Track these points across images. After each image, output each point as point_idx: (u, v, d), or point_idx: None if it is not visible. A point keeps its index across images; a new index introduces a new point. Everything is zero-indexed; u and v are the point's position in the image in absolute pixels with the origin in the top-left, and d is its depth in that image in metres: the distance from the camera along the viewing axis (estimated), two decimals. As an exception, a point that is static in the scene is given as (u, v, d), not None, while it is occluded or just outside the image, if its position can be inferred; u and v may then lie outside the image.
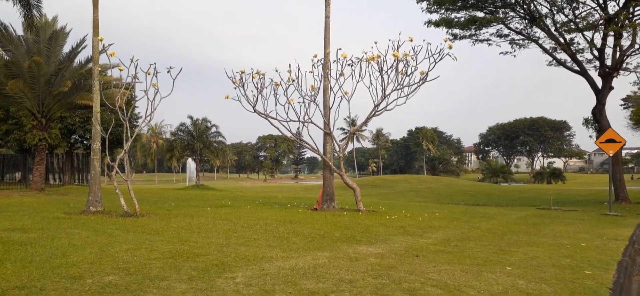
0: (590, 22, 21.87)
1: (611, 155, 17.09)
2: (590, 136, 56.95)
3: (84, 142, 35.18)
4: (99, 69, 13.84)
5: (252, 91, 14.84)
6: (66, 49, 22.79)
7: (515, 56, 24.73)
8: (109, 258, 6.04)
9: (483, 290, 4.94)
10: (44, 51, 21.63)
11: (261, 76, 14.83)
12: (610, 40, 21.71)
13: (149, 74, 12.09)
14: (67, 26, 22.87)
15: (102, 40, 12.87)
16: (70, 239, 7.42)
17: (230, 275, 5.25)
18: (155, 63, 12.12)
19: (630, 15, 20.98)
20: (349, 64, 14.11)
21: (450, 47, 13.23)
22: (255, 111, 14.95)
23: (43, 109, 22.50)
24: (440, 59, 13.23)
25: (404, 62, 13.59)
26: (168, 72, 12.23)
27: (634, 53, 21.79)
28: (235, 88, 15.00)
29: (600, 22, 21.54)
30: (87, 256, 6.14)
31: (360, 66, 13.99)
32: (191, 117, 58.70)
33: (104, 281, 4.89)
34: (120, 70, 12.38)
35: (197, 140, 58.22)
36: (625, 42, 21.42)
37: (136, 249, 6.67)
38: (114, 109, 12.61)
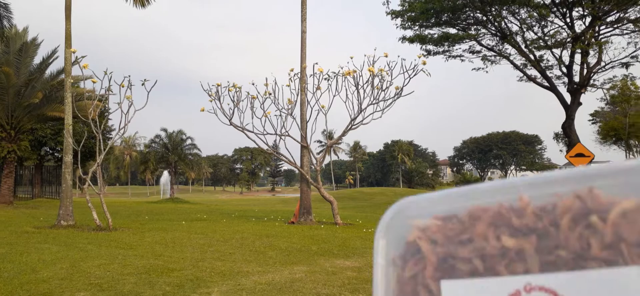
0: (559, 40, 22.58)
1: (580, 169, 17.51)
2: (561, 150, 58.44)
3: (55, 154, 34.40)
4: (72, 80, 13.64)
5: (229, 104, 14.82)
6: (37, 60, 22.39)
7: (487, 71, 25.33)
8: (81, 273, 5.93)
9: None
10: (14, 61, 21.19)
11: (237, 89, 14.83)
12: (578, 58, 22.45)
13: (123, 86, 11.97)
14: (38, 37, 22.48)
15: (74, 52, 12.70)
16: (40, 255, 7.25)
17: (205, 290, 5.22)
18: (129, 76, 12.03)
19: (596, 34, 21.74)
20: (325, 78, 14.24)
21: (424, 63, 13.49)
22: (231, 124, 14.92)
23: (12, 120, 21.97)
24: (414, 75, 13.47)
25: (379, 77, 13.79)
26: (143, 84, 12.14)
27: (600, 70, 22.55)
28: (211, 101, 14.95)
29: (568, 40, 22.26)
30: (58, 271, 6.01)
31: (337, 80, 14.14)
32: (165, 130, 58.13)
33: (76, 297, 4.80)
34: (94, 82, 12.25)
35: (172, 152, 57.58)
36: (592, 60, 22.17)
37: (109, 264, 6.57)
38: (87, 121, 12.42)
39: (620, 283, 0.30)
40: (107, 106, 14.11)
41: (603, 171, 0.34)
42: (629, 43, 22.16)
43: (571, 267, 0.33)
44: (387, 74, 13.71)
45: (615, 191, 0.33)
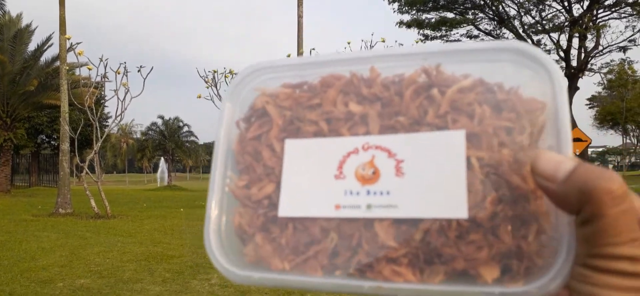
0: (556, 24, 22.53)
1: (577, 154, 17.63)
2: (557, 135, 58.53)
3: (52, 142, 34.29)
4: (67, 68, 13.53)
5: (225, 90, 14.74)
6: (31, 47, 22.23)
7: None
8: (80, 261, 5.93)
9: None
10: (8, 49, 21.01)
11: (234, 76, 14.75)
12: (576, 42, 22.42)
13: (118, 73, 11.89)
14: (32, 24, 22.29)
15: (69, 38, 12.58)
16: (39, 243, 7.25)
17: (205, 277, 5.23)
18: (125, 62, 11.94)
19: (594, 18, 21.69)
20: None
21: (422, 48, 13.46)
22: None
23: (8, 108, 21.85)
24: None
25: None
26: (139, 71, 12.07)
27: (597, 54, 22.54)
28: (207, 87, 14.89)
29: (566, 24, 22.22)
30: (58, 259, 6.02)
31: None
32: (162, 117, 57.91)
33: (76, 284, 4.81)
34: (89, 69, 12.15)
35: (169, 140, 57.47)
36: (590, 44, 22.15)
37: (108, 251, 6.57)
38: (83, 108, 12.34)
39: (442, 143, 0.34)
40: (103, 93, 14.01)
41: (451, 50, 0.37)
42: (626, 27, 22.17)
43: (407, 131, 0.36)
44: (385, 59, 13.67)
45: (461, 70, 0.36)
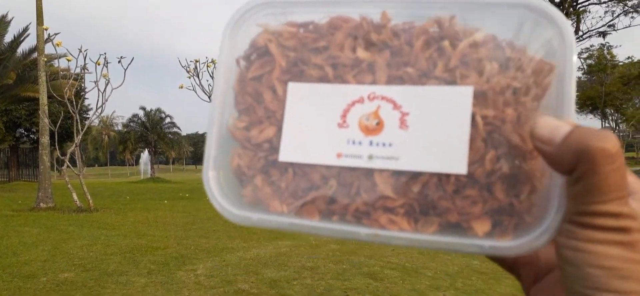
0: (537, 9, 22.79)
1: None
2: (538, 120, 59.41)
3: (31, 136, 33.67)
4: (45, 59, 13.27)
5: (208, 81, 14.64)
6: (8, 38, 21.74)
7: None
8: (64, 254, 5.86)
9: (439, 271, 5.11)
10: (-16, 41, 20.55)
11: (216, 65, 14.63)
12: (556, 28, 22.73)
13: (98, 64, 11.71)
14: (8, 14, 21.81)
15: (47, 29, 12.33)
16: (20, 237, 7.14)
17: (190, 267, 5.21)
18: (105, 53, 11.76)
19: (575, 3, 21.95)
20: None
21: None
22: (211, 100, 14.76)
23: (-15, 102, 21.40)
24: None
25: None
26: (119, 62, 11.90)
27: (577, 40, 22.84)
28: (189, 77, 14.75)
29: (547, 9, 22.47)
30: (40, 253, 5.93)
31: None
32: (144, 108, 57.27)
33: (59, 278, 4.75)
34: (68, 60, 11.94)
35: (151, 131, 56.91)
36: (570, 29, 22.45)
37: (92, 245, 6.50)
38: (63, 101, 12.13)
39: (448, 97, 0.34)
40: (83, 84, 13.80)
41: (465, 1, 0.36)
42: (606, 12, 22.51)
43: (415, 83, 0.35)
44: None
45: (474, 23, 0.36)
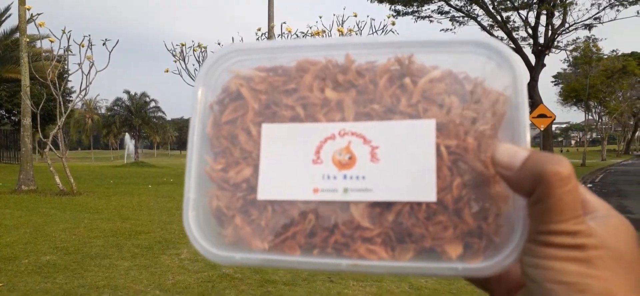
0: (525, 1, 22.84)
1: (542, 129, 18.07)
2: (523, 111, 60.04)
3: (12, 118, 33.08)
4: (27, 40, 12.98)
5: (194, 65, 14.48)
6: (-11, 17, 21.24)
7: (455, 33, 25.44)
8: (45, 237, 5.78)
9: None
10: (-36, 19, 20.05)
11: (203, 49, 14.46)
12: (543, 19, 22.81)
13: (82, 46, 11.49)
14: (-11, -7, 21.27)
15: (29, 9, 12.04)
16: (1, 220, 7.02)
17: (174, 252, 5.17)
18: (89, 35, 11.54)
19: (562, -5, 22.07)
20: (294, 38, 14.04)
21: (393, 24, 13.46)
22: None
23: (-36, 82, 20.94)
24: (384, 35, 13.44)
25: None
26: (104, 44, 11.68)
27: (564, 32, 23.04)
28: (175, 62, 14.56)
29: (534, 1, 22.55)
30: (21, 236, 5.84)
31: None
32: (128, 92, 56.60)
33: (41, 261, 4.68)
34: (51, 41, 11.69)
35: (135, 116, 56.30)
36: (557, 21, 22.59)
37: (74, 228, 6.42)
38: (46, 82, 11.90)
39: (413, 130, 0.37)
40: (66, 66, 13.55)
41: (421, 41, 0.39)
42: (592, 5, 22.63)
43: (381, 118, 0.38)
44: (357, 34, 13.61)
45: (431, 60, 0.38)
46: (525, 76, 0.37)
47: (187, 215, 0.39)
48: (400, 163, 0.36)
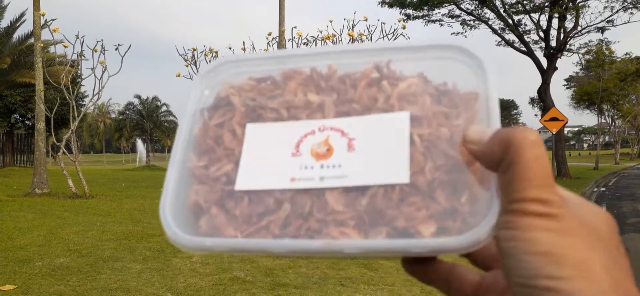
0: (537, 4, 22.66)
1: (554, 133, 17.90)
2: (536, 115, 59.44)
3: (26, 122, 33.43)
4: (41, 45, 13.15)
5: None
6: (4, 23, 21.58)
7: (466, 36, 25.29)
8: (59, 240, 5.84)
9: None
10: (-20, 25, 20.36)
11: (214, 54, 14.54)
12: (555, 22, 22.61)
13: (95, 51, 11.62)
14: (3, 0, 21.60)
15: (43, 14, 12.21)
16: (15, 222, 7.11)
17: (186, 255, 5.20)
18: (102, 40, 11.66)
19: (574, -2, 21.87)
20: (304, 43, 14.06)
21: (404, 28, 13.44)
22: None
23: (-20, 87, 21.24)
24: (394, 39, 13.41)
25: (359, 41, 13.67)
26: (116, 49, 11.82)
27: (576, 35, 22.81)
28: (187, 66, 14.66)
29: (546, 4, 22.36)
30: (35, 238, 5.91)
31: (316, 45, 13.98)
32: (139, 97, 56.95)
33: (55, 263, 4.73)
34: (65, 46, 11.84)
35: (147, 119, 56.66)
36: (569, 24, 22.36)
37: (87, 230, 6.48)
38: (59, 87, 12.03)
39: (388, 122, 0.39)
40: (79, 71, 13.69)
41: (398, 47, 0.42)
42: (605, 7, 22.35)
43: (359, 114, 0.40)
44: (367, 38, 13.60)
45: (405, 66, 0.41)
46: (495, 73, 0.39)
47: (164, 206, 0.39)
48: (375, 151, 0.38)
